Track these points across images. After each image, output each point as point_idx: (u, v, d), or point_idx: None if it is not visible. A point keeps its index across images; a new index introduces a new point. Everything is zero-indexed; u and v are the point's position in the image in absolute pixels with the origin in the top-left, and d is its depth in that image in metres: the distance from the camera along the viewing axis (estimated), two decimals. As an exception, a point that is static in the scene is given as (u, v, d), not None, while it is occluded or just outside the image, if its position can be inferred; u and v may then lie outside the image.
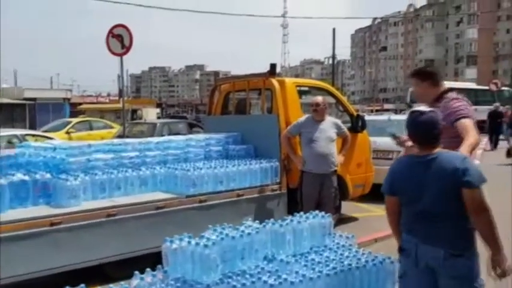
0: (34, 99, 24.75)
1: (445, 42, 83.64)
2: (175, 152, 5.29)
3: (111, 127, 16.39)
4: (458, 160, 2.40)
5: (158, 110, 35.10)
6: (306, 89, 6.39)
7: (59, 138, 11.54)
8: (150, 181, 4.75)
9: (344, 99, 6.43)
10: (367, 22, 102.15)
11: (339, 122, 5.35)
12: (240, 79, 6.43)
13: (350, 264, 3.11)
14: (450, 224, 2.40)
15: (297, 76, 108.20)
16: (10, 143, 9.35)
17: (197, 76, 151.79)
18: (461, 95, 3.80)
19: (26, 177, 4.10)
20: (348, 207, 6.81)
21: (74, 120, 17.20)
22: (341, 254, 3.40)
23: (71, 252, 3.80)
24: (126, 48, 8.49)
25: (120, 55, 8.53)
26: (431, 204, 2.41)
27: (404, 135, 3.66)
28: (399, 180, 2.55)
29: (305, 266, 3.11)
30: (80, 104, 32.18)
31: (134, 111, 27.14)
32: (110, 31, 8.52)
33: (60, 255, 3.75)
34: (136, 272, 3.00)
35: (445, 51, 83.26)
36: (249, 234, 3.31)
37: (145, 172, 4.74)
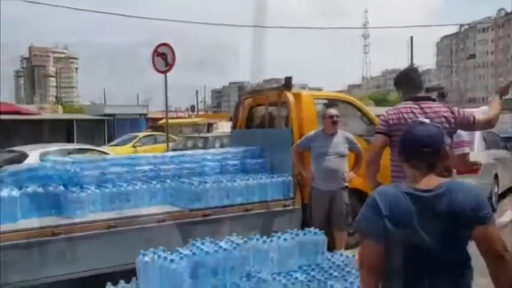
0: (113, 115, 26.54)
1: (541, 47, 76.94)
2: (190, 166, 5.35)
3: (175, 140, 17.15)
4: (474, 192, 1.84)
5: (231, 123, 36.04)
6: (326, 101, 6.19)
7: (119, 153, 12.21)
8: (159, 194, 4.82)
9: (368, 110, 6.12)
10: (454, 29, 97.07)
11: (351, 136, 5.08)
12: (259, 93, 6.41)
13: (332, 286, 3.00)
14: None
15: (378, 87, 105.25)
16: None
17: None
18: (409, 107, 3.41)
19: (40, 190, 4.37)
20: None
21: (141, 134, 18.26)
22: (330, 274, 3.26)
23: (66, 263, 3.96)
24: (169, 65, 8.88)
25: (164, 72, 8.92)
26: (440, 252, 1.79)
27: None
28: (398, 221, 1.80)
29: (284, 284, 3.03)
30: (161, 119, 34.00)
31: (210, 125, 28.41)
32: (155, 50, 8.94)
33: (57, 265, 3.92)
34: (109, 283, 3.10)
35: (542, 56, 76.51)
36: (225, 250, 3.28)
37: (155, 185, 4.84)
